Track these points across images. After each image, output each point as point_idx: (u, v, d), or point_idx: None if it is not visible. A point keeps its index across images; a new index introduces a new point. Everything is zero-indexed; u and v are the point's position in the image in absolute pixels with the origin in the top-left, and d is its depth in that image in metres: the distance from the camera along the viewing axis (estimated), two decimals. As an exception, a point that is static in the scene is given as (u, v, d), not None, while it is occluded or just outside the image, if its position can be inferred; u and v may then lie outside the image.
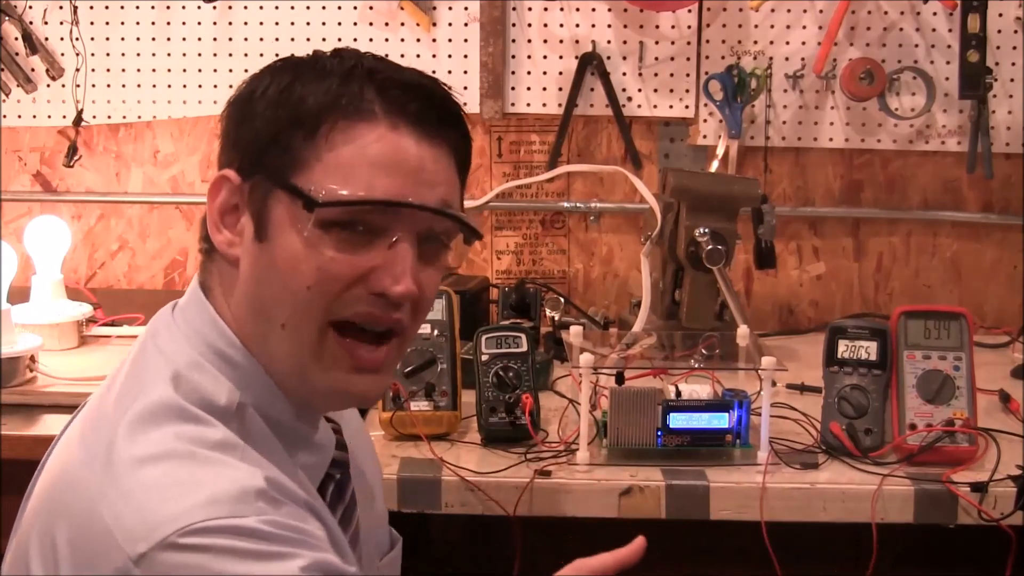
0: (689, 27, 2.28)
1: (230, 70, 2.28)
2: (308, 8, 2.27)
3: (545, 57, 2.29)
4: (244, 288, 1.03)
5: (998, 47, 2.26)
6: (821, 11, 2.26)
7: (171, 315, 1.07)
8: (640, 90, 2.30)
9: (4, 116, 2.31)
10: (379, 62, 1.04)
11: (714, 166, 2.28)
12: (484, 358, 1.68)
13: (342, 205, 0.99)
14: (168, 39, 2.29)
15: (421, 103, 1.03)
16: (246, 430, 1.00)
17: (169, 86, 2.30)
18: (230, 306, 1.04)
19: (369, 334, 1.02)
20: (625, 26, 2.28)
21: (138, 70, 2.30)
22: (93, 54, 2.28)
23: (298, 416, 1.05)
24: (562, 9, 2.28)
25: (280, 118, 1.01)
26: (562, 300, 2.21)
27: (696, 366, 1.74)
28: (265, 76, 1.04)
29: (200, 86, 2.29)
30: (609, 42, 2.28)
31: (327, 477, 1.09)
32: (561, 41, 2.29)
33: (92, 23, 2.28)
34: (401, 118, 1.01)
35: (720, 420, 1.62)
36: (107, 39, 2.29)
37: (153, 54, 2.29)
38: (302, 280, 0.99)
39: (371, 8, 2.28)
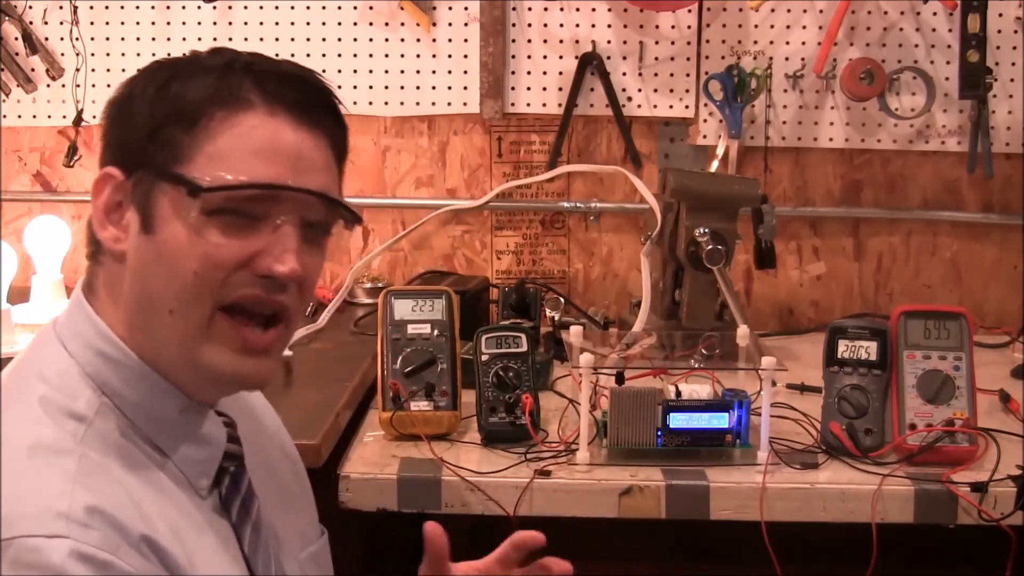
0: (689, 27, 2.28)
1: (230, 70, 2.28)
2: (308, 8, 2.28)
3: (545, 57, 2.29)
4: (131, 281, 1.04)
5: (998, 47, 2.26)
6: (821, 11, 2.26)
7: (51, 326, 1.09)
8: (640, 90, 2.30)
9: (4, 116, 2.31)
10: (257, 57, 1.07)
11: (714, 166, 2.28)
12: (484, 358, 1.68)
13: (226, 190, 1.01)
14: (168, 39, 2.29)
15: (298, 92, 1.06)
16: (102, 436, 1.01)
17: (169, 86, 2.30)
18: (118, 304, 1.06)
19: (257, 317, 1.05)
20: (625, 26, 2.28)
21: (138, 70, 2.29)
22: (93, 54, 2.29)
23: (185, 410, 1.07)
24: (562, 9, 2.28)
25: (160, 114, 1.03)
26: (562, 300, 2.21)
27: (696, 366, 1.74)
28: (142, 76, 1.07)
29: (200, 86, 2.29)
30: (609, 42, 2.28)
31: (221, 470, 1.10)
32: (561, 41, 2.29)
33: (92, 23, 2.28)
34: (279, 106, 1.04)
35: (720, 420, 1.62)
36: (107, 39, 2.29)
37: (153, 54, 2.29)
38: (188, 265, 1.01)
39: (371, 8, 2.28)
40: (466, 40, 2.29)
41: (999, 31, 2.25)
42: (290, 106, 1.04)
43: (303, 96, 1.06)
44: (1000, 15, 2.25)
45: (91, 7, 2.28)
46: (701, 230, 1.98)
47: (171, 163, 1.02)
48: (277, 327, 1.07)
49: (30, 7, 2.27)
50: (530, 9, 2.28)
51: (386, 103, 2.31)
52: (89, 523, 0.92)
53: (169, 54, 2.39)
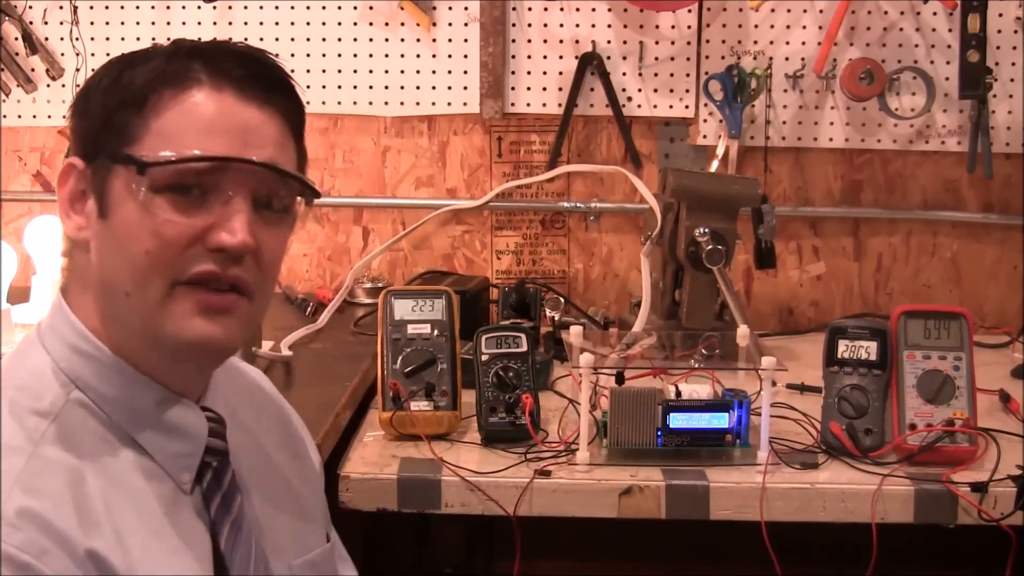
0: (689, 27, 2.28)
1: (230, 70, 2.28)
2: (308, 8, 2.28)
3: (545, 57, 2.29)
4: (94, 268, 1.06)
5: (998, 47, 2.26)
6: (821, 11, 2.26)
7: (36, 327, 1.11)
8: (640, 90, 2.30)
9: (4, 116, 2.31)
10: (208, 42, 1.09)
11: (714, 166, 2.28)
12: (484, 358, 1.68)
13: (171, 164, 1.01)
14: (168, 39, 2.27)
15: (244, 68, 1.06)
16: (67, 433, 1.01)
17: (169, 86, 2.30)
18: (87, 295, 1.07)
19: (216, 289, 1.06)
20: (625, 26, 2.28)
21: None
22: (93, 54, 2.28)
23: (161, 401, 1.07)
24: (562, 9, 2.28)
25: (112, 101, 1.05)
26: (562, 300, 2.21)
27: (696, 366, 1.74)
28: (101, 69, 1.09)
29: (200, 86, 2.29)
30: (609, 42, 2.28)
31: (204, 465, 1.10)
32: (561, 41, 2.29)
33: (92, 23, 2.28)
34: (225, 82, 1.05)
35: (720, 420, 1.62)
36: (107, 39, 2.29)
37: (153, 54, 2.29)
38: (140, 245, 1.02)
39: (371, 8, 2.28)
40: (466, 40, 2.28)
41: (999, 31, 2.25)
42: (237, 81, 1.05)
43: (250, 71, 1.06)
44: (1000, 15, 2.25)
45: (91, 7, 2.28)
46: (701, 230, 1.98)
47: (122, 146, 1.03)
48: (239, 295, 1.06)
49: (30, 7, 2.27)
50: (530, 9, 2.28)
51: (386, 103, 2.31)
52: (17, 524, 0.93)
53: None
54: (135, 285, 1.03)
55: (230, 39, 1.10)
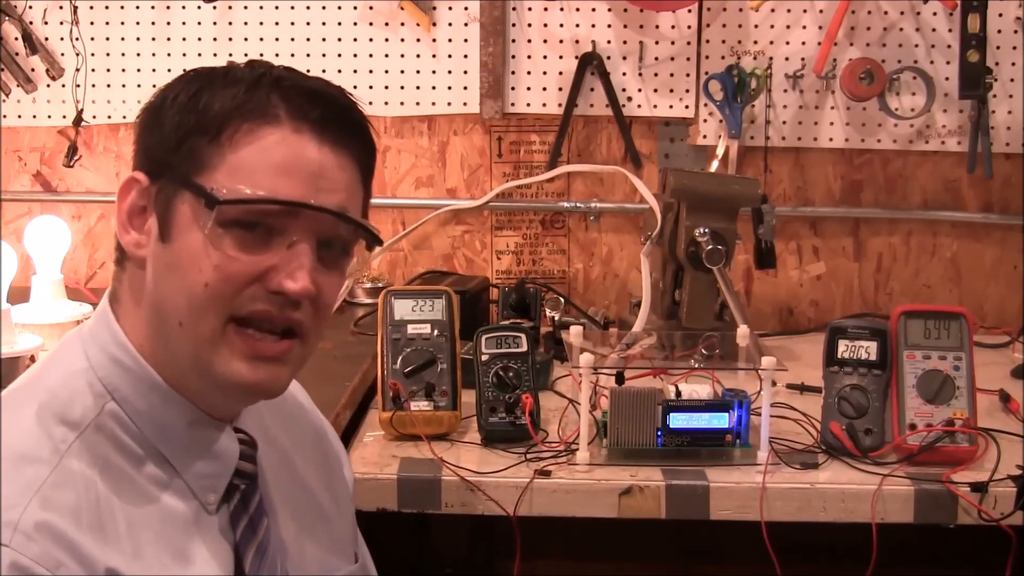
0: (689, 27, 2.28)
1: (230, 70, 2.28)
2: (308, 8, 2.28)
3: (545, 57, 2.29)
4: (149, 289, 1.05)
5: (998, 47, 2.26)
6: (821, 11, 2.26)
7: (79, 329, 1.10)
8: (640, 90, 2.30)
9: (4, 116, 2.31)
10: (288, 71, 1.07)
11: (714, 166, 2.28)
12: (484, 358, 1.68)
13: (243, 203, 1.01)
14: (168, 39, 2.29)
15: (324, 110, 1.05)
16: (95, 444, 1.01)
17: (169, 86, 2.30)
18: (140, 310, 1.06)
19: (269, 330, 1.04)
20: (625, 26, 2.28)
21: (138, 70, 2.30)
22: (93, 54, 2.29)
23: (193, 422, 1.06)
24: (562, 9, 2.28)
25: (187, 123, 1.03)
26: (562, 300, 2.21)
27: (696, 366, 1.74)
28: (177, 85, 1.07)
29: (200, 86, 2.29)
30: (609, 42, 2.28)
31: (232, 487, 1.09)
32: (561, 41, 2.29)
33: (92, 23, 2.28)
34: (304, 123, 1.03)
35: (720, 420, 1.62)
36: (107, 39, 2.30)
37: (153, 54, 2.30)
38: (200, 277, 1.01)
39: (371, 8, 2.28)
40: (466, 40, 2.29)
41: (999, 31, 2.25)
42: (315, 123, 1.04)
43: (329, 114, 1.05)
44: (1000, 15, 2.25)
45: (91, 7, 2.28)
46: (701, 230, 1.98)
47: (193, 173, 1.02)
48: (292, 339, 1.06)
49: (30, 7, 2.27)
50: (530, 9, 2.28)
51: (386, 103, 2.31)
52: (33, 537, 0.93)
53: (169, 54, 2.41)
54: (189, 316, 1.02)
55: (308, 71, 1.09)
